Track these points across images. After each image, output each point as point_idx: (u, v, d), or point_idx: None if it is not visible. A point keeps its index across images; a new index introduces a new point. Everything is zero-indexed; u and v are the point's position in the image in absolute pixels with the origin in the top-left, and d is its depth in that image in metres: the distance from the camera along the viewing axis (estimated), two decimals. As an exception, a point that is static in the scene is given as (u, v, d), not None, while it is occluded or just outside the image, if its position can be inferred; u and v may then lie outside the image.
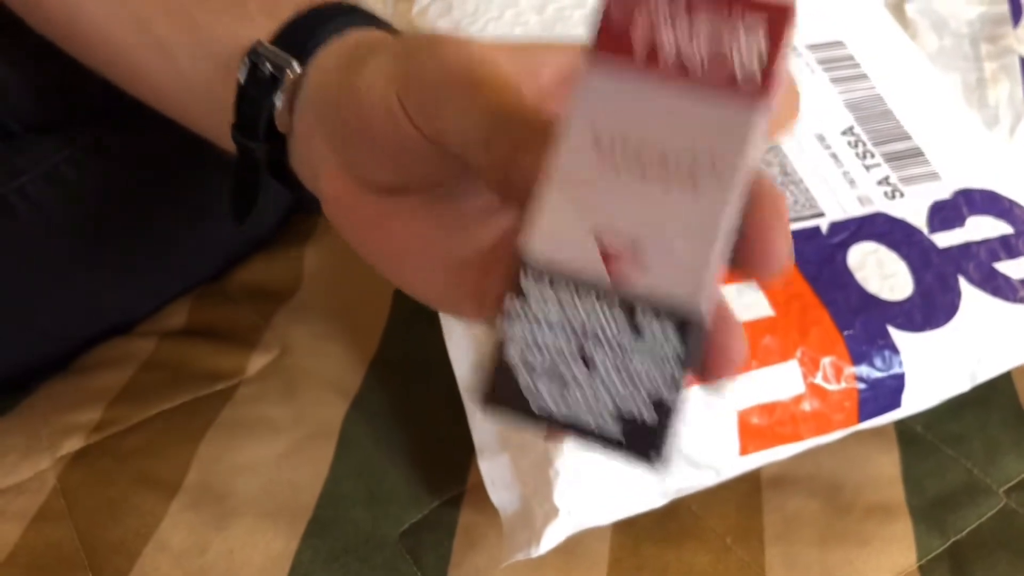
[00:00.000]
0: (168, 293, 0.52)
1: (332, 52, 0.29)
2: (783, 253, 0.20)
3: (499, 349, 0.20)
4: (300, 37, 0.30)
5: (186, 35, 0.34)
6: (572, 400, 0.20)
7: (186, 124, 0.36)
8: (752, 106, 0.19)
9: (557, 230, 0.20)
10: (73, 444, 0.43)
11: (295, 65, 0.30)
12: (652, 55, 0.19)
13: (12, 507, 0.40)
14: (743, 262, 0.20)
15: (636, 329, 0.19)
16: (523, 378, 0.20)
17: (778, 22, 0.19)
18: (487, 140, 0.22)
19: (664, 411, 0.19)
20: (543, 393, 0.20)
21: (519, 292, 0.20)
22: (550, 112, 0.23)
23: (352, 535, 0.39)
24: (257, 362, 0.47)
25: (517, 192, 0.21)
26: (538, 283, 0.20)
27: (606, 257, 0.19)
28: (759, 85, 0.19)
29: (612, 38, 0.19)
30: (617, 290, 0.19)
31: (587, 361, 0.20)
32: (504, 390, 0.20)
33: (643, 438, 0.19)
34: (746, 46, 0.19)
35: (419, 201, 0.27)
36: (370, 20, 0.31)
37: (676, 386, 0.19)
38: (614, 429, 0.19)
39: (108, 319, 0.50)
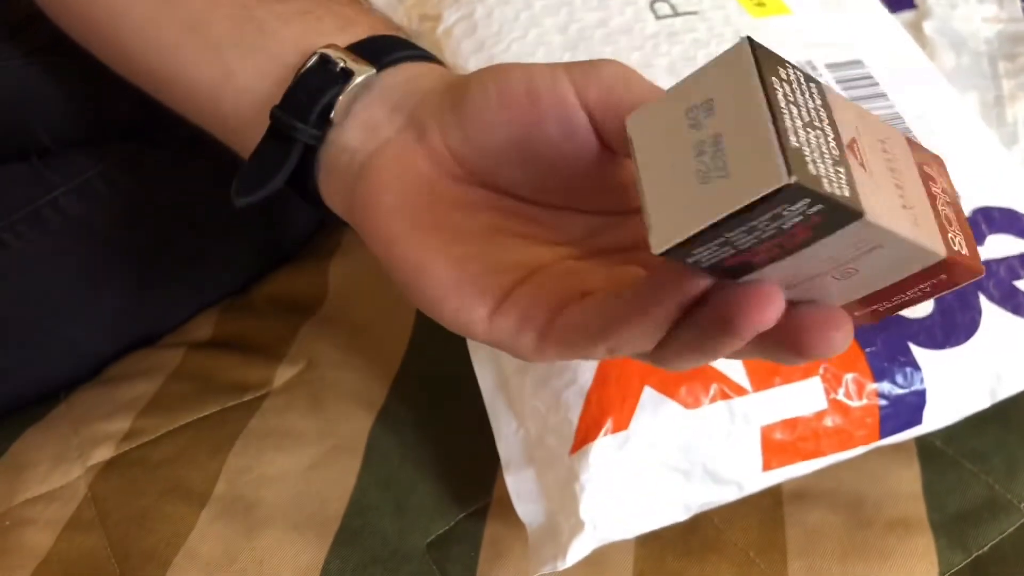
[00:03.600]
0: (195, 305, 0.53)
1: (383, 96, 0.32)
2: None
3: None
4: (376, 52, 0.33)
5: (248, 36, 0.35)
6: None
7: (210, 124, 0.37)
8: None
9: None
10: (103, 453, 0.43)
11: (372, 71, 0.32)
12: None
13: (44, 515, 0.41)
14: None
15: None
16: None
17: None
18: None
19: None
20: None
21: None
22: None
23: (380, 546, 0.40)
24: (284, 374, 0.47)
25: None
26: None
27: None
28: None
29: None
30: None
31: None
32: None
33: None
34: None
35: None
36: (426, 57, 0.35)
37: None
38: None
39: (136, 330, 0.51)
